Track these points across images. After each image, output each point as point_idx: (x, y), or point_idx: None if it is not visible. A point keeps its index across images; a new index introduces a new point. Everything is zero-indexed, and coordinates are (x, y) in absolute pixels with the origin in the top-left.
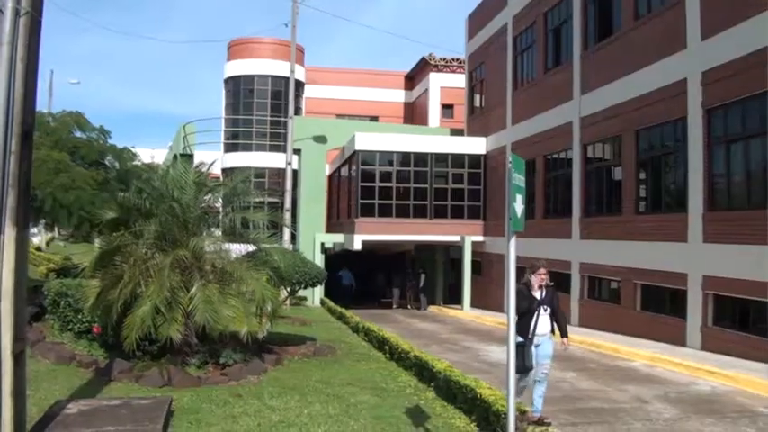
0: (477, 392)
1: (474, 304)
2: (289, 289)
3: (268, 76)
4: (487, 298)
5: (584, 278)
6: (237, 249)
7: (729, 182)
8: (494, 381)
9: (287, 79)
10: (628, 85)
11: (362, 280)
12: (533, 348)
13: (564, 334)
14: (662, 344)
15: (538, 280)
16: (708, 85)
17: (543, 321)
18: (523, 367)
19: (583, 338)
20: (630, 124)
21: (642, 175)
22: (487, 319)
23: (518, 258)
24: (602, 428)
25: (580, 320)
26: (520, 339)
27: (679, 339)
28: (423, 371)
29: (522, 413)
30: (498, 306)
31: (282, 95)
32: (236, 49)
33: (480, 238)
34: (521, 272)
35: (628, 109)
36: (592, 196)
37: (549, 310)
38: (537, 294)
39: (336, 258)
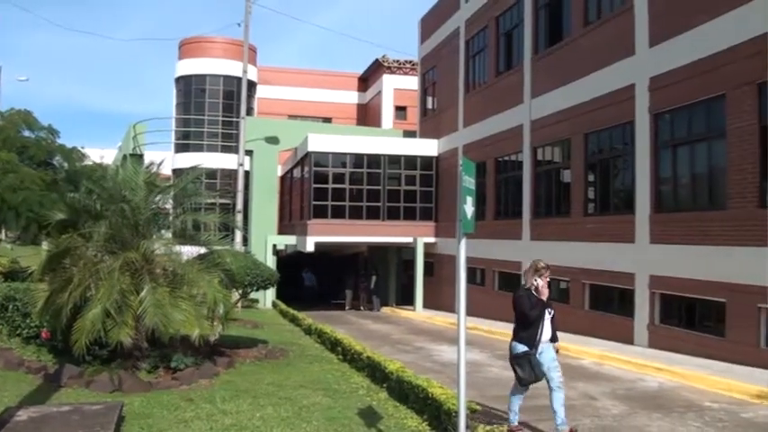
0: (429, 392)
1: (426, 305)
2: (240, 291)
3: (220, 75)
4: (439, 299)
5: None
6: (188, 251)
7: (675, 184)
8: (445, 380)
9: (239, 79)
10: (577, 89)
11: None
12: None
13: (556, 338)
14: (610, 342)
15: (544, 282)
16: (655, 90)
17: (547, 327)
18: (534, 379)
19: None
20: (579, 128)
21: (591, 178)
22: (439, 319)
23: (469, 259)
24: (551, 425)
25: None
26: (524, 349)
27: (627, 338)
28: (375, 372)
29: (472, 411)
30: (450, 307)
31: (234, 95)
32: (187, 48)
33: (432, 240)
34: (472, 272)
35: (577, 113)
36: (542, 198)
37: (552, 313)
38: (544, 298)
39: (288, 260)
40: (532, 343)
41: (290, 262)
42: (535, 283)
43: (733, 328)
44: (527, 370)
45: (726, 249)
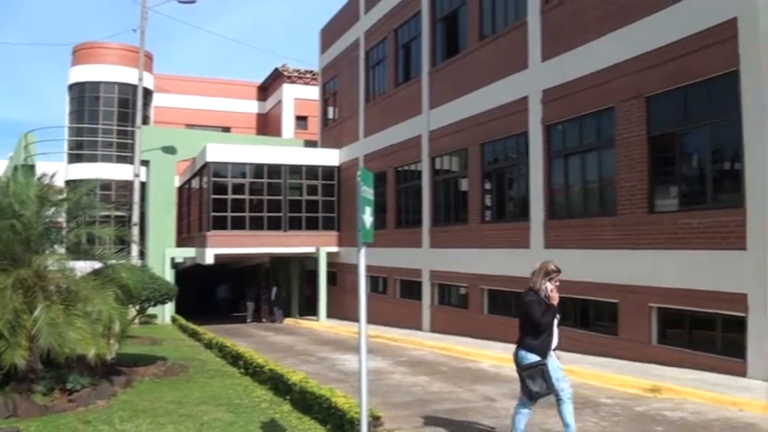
0: (333, 401)
1: (330, 315)
2: (138, 307)
3: (115, 83)
4: (343, 308)
5: (435, 285)
6: (83, 267)
7: (568, 192)
8: (349, 389)
9: (135, 87)
10: (474, 100)
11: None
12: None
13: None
14: (509, 345)
15: (554, 286)
16: (547, 102)
17: (556, 334)
18: (547, 392)
19: (434, 343)
20: (476, 138)
21: (487, 186)
22: (343, 329)
23: (371, 268)
24: (453, 428)
25: (431, 326)
26: (535, 359)
27: None
28: (278, 384)
29: (375, 419)
30: (354, 316)
31: (130, 104)
32: (81, 54)
33: (335, 249)
34: (374, 281)
35: (473, 123)
36: (440, 206)
37: (558, 318)
38: (555, 303)
39: (186, 273)
40: (545, 352)
41: (190, 275)
42: (545, 286)
43: (625, 327)
44: (539, 382)
45: (617, 253)
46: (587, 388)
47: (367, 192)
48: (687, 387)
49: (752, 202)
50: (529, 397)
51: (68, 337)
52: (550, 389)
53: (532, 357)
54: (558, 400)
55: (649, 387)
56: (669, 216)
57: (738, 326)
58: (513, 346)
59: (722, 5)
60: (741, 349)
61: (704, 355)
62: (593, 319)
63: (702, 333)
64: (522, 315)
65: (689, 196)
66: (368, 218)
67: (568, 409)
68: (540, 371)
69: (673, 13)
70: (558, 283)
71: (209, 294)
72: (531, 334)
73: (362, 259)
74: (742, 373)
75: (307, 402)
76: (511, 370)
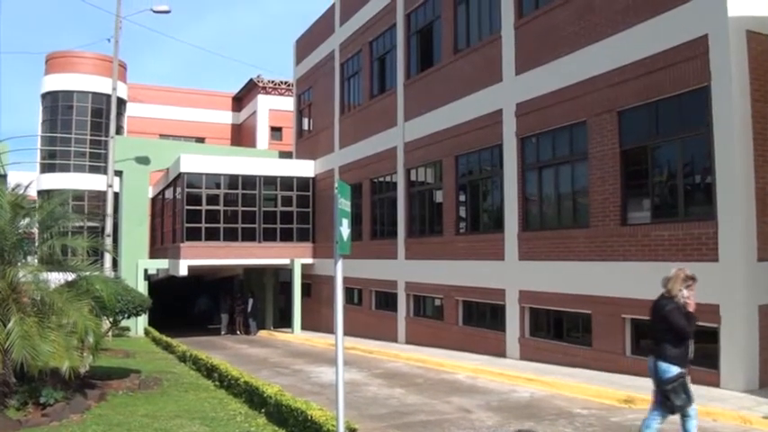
0: (308, 414)
1: (305, 326)
2: (111, 319)
3: (88, 92)
4: (318, 320)
5: (410, 296)
6: (56, 278)
7: (541, 204)
8: (325, 402)
9: (108, 96)
10: (448, 113)
11: (188, 306)
12: None
13: None
14: (484, 356)
15: (691, 293)
16: (521, 115)
17: (692, 342)
18: (688, 403)
19: (409, 355)
20: (451, 150)
21: (462, 198)
22: (318, 340)
23: (347, 279)
24: None
25: (407, 337)
26: (678, 371)
27: (499, 351)
28: (253, 397)
29: (352, 430)
30: (328, 327)
31: (104, 113)
32: (54, 63)
33: (310, 261)
34: (349, 292)
35: (448, 135)
36: (415, 218)
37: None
38: (692, 311)
39: (160, 285)
40: (685, 362)
41: (163, 287)
42: (682, 293)
43: (599, 338)
44: (681, 395)
45: (590, 264)
46: (562, 399)
47: (344, 204)
48: None
49: (723, 214)
50: (671, 411)
51: (42, 350)
52: (691, 401)
53: (675, 369)
54: (686, 417)
55: (624, 398)
56: (641, 228)
57: (711, 337)
58: (488, 357)
59: (694, 22)
60: (714, 360)
61: None
62: (567, 330)
63: None
64: (659, 325)
65: (661, 209)
66: (345, 230)
67: (694, 424)
68: (683, 383)
69: (645, 30)
70: (694, 291)
71: (186, 306)
72: (672, 344)
73: (340, 271)
74: (715, 383)
75: (282, 415)
76: (487, 381)
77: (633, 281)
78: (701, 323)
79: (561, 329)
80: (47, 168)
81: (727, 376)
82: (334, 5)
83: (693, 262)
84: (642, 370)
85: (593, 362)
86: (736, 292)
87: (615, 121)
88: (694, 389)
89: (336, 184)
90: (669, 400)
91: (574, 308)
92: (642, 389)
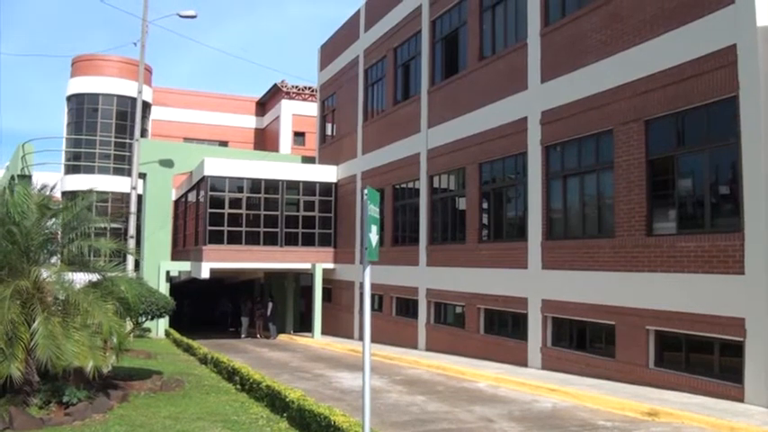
0: (332, 420)
1: (325, 331)
2: (134, 320)
3: (114, 95)
4: (338, 325)
5: (431, 304)
6: (81, 279)
7: (566, 213)
8: (347, 408)
9: (133, 99)
10: (472, 120)
11: (209, 309)
12: None
13: None
14: (505, 365)
15: None
16: (546, 124)
17: None
18: None
19: (430, 362)
20: (474, 157)
21: (485, 206)
22: (338, 346)
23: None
24: None
25: (427, 345)
26: None
27: (521, 360)
28: (275, 401)
29: None
30: (349, 333)
31: (128, 116)
32: (80, 66)
33: (331, 266)
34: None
35: (472, 143)
36: (438, 225)
37: None
38: None
39: (180, 287)
40: None
41: (184, 289)
42: None
43: (622, 349)
44: None
45: (615, 275)
46: (585, 410)
47: (373, 210)
48: (685, 411)
49: (750, 226)
50: None
51: (66, 350)
52: None
53: None
54: None
55: (647, 410)
56: (667, 239)
57: (736, 350)
58: (510, 366)
59: (722, 32)
60: (739, 374)
61: (701, 379)
62: (590, 341)
63: (700, 357)
64: None
65: (687, 220)
66: (373, 236)
67: None
68: None
69: (673, 38)
70: None
71: (207, 309)
72: None
73: (368, 277)
74: (740, 398)
75: (305, 420)
76: (509, 390)
77: (658, 292)
78: (725, 336)
79: (584, 340)
80: (71, 170)
81: (752, 391)
82: (359, 11)
83: (719, 274)
84: (666, 383)
85: (616, 373)
86: (762, 305)
87: (642, 131)
88: (715, 402)
89: (366, 191)
90: None
91: (597, 318)
92: (666, 402)
